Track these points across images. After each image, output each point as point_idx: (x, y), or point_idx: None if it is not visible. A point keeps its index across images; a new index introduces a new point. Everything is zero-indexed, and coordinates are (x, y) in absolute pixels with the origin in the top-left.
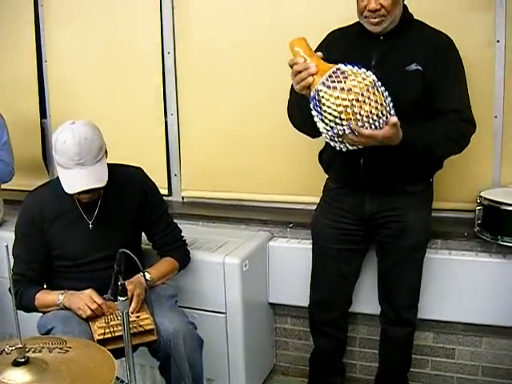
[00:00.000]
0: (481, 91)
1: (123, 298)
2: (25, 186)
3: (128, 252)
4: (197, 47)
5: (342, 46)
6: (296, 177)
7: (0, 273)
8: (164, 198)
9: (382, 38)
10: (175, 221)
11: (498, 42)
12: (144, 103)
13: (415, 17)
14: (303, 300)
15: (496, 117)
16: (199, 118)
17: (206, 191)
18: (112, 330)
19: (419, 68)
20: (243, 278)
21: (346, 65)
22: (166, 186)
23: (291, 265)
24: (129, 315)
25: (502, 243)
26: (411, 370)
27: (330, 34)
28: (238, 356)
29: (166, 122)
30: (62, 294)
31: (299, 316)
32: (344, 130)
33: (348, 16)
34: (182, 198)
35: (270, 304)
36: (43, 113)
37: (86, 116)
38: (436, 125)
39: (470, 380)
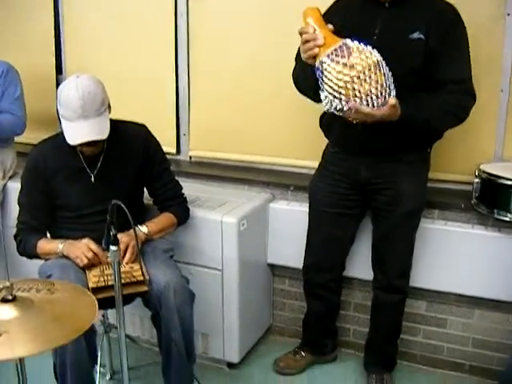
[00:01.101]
0: (489, 64)
1: (114, 248)
2: (38, 139)
3: (120, 204)
4: (210, 9)
5: (347, 12)
6: (300, 141)
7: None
8: (172, 156)
9: (387, 5)
10: (182, 179)
11: (508, 15)
12: (156, 63)
13: None
14: (301, 262)
15: (502, 91)
16: (209, 80)
17: (212, 151)
18: (106, 278)
19: (422, 37)
20: (240, 236)
21: (353, 41)
22: (175, 145)
23: (291, 227)
24: (120, 265)
25: (497, 217)
26: (402, 337)
27: (336, 0)
28: (232, 313)
29: (177, 83)
30: (62, 243)
31: (296, 278)
32: (344, 106)
33: None
34: (190, 157)
35: (269, 265)
36: (59, 68)
37: (99, 73)
38: (434, 98)
39: (459, 350)
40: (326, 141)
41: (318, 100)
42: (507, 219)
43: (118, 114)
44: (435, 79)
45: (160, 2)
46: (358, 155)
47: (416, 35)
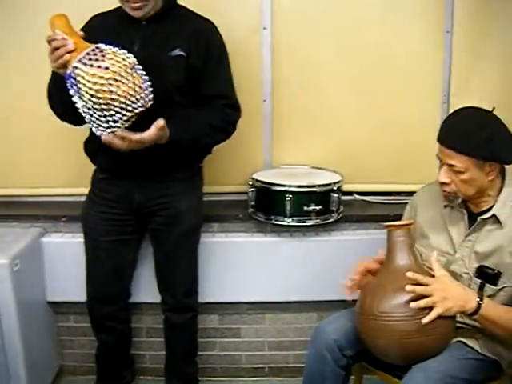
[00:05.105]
0: (250, 76)
1: None
2: None
3: None
4: None
5: (104, 31)
6: (66, 168)
7: None
8: None
9: (144, 22)
10: None
11: (264, 28)
12: None
13: (179, 2)
14: (84, 295)
15: (265, 101)
16: None
17: None
18: None
19: (182, 54)
20: (15, 278)
21: (106, 44)
22: None
23: (68, 260)
24: None
25: (275, 223)
26: (200, 353)
27: (92, 18)
28: (17, 362)
29: None
30: None
31: (82, 312)
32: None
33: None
34: None
35: (49, 303)
36: None
37: None
38: (201, 115)
39: (257, 356)
40: (93, 166)
41: (77, 123)
42: (284, 223)
43: None
44: (200, 95)
45: None
46: (128, 180)
47: (177, 52)
